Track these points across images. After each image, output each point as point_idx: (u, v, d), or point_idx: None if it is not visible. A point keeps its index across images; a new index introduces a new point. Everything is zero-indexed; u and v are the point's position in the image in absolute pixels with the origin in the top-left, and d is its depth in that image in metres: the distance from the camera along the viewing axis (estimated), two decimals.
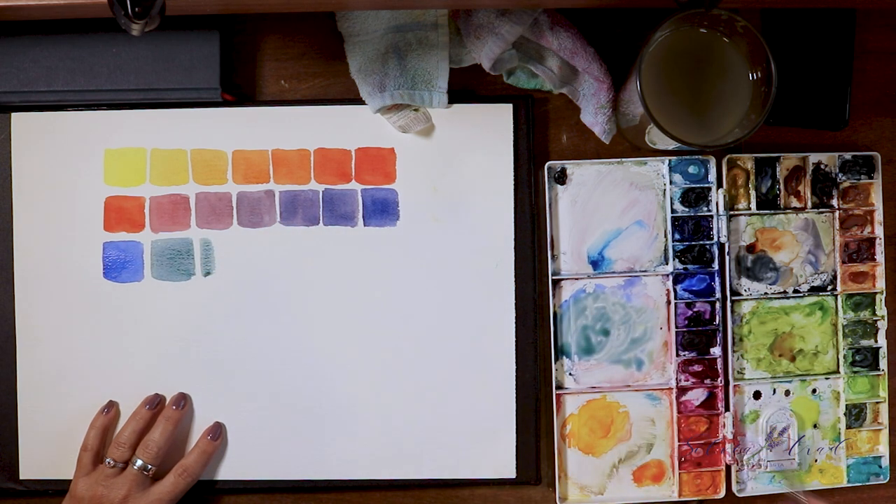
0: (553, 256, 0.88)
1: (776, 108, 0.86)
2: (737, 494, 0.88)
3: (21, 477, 0.86)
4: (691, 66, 0.79)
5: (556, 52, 0.83)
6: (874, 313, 0.90)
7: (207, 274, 0.87)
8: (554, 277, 0.88)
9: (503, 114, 0.87)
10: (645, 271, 0.88)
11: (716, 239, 0.88)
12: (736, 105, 0.78)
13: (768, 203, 0.89)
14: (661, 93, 0.77)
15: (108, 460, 0.83)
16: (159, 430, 0.84)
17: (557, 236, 0.88)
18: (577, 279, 0.88)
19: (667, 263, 0.88)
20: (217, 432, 0.86)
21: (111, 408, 0.86)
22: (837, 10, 0.88)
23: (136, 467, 0.83)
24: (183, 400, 0.86)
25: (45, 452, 0.86)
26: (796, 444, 0.88)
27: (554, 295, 0.88)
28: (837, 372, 0.89)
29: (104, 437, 0.85)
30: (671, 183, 0.88)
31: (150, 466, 0.83)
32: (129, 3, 0.58)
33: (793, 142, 0.90)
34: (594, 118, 0.86)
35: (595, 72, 0.84)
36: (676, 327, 0.88)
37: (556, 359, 0.87)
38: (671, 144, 0.78)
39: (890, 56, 0.91)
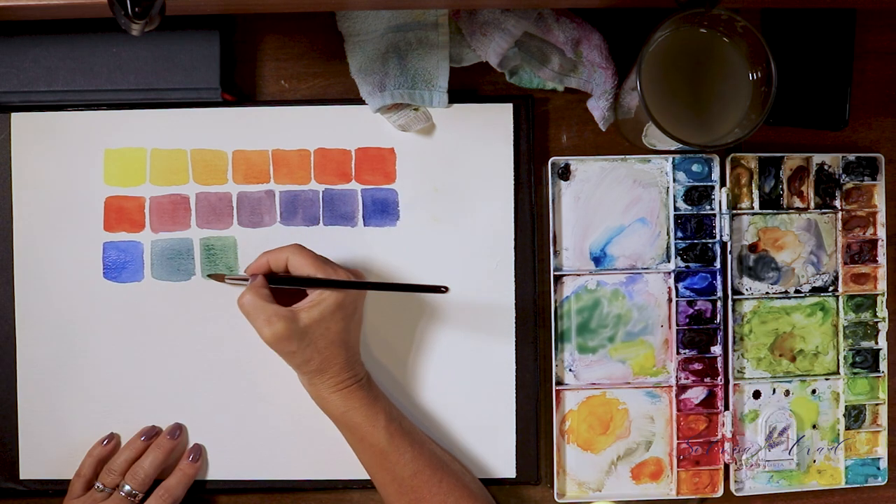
0: (555, 252, 0.88)
1: (776, 108, 0.86)
2: (735, 494, 0.88)
3: (21, 477, 0.87)
4: (691, 66, 0.79)
5: (562, 46, 0.83)
6: (875, 315, 0.90)
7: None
8: (556, 273, 0.88)
9: (503, 113, 0.87)
10: (647, 268, 0.88)
11: (718, 238, 0.88)
12: (736, 105, 0.78)
13: (771, 203, 0.89)
14: (661, 93, 0.77)
15: (97, 484, 0.84)
16: (150, 458, 0.85)
17: (560, 232, 0.88)
18: (578, 275, 0.88)
19: (669, 261, 0.88)
20: (197, 454, 0.87)
21: (111, 440, 0.86)
22: (837, 10, 0.88)
23: (123, 492, 0.83)
24: (178, 430, 0.87)
25: (45, 452, 0.87)
26: (795, 445, 0.88)
27: (555, 290, 0.88)
28: (837, 373, 0.89)
29: (98, 467, 0.86)
30: (674, 181, 0.88)
31: (136, 492, 0.83)
32: (129, 3, 0.58)
33: (793, 142, 0.90)
34: (596, 102, 0.86)
35: (597, 58, 0.84)
36: (677, 325, 0.88)
37: (557, 354, 0.87)
38: (671, 145, 0.78)
39: (890, 56, 0.91)
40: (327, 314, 0.78)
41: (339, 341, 0.79)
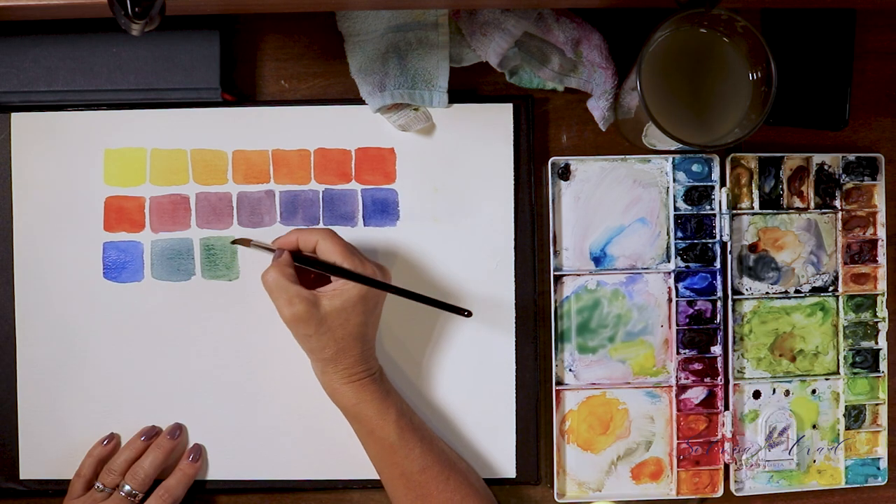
0: (555, 252, 0.88)
1: (776, 108, 0.85)
2: (735, 494, 0.88)
3: (21, 477, 0.87)
4: (691, 66, 0.79)
5: (562, 46, 0.83)
6: (875, 315, 0.90)
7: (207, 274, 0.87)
8: (556, 273, 0.88)
9: (503, 113, 0.87)
10: (647, 268, 0.88)
11: (718, 238, 0.88)
12: (736, 105, 0.78)
13: (771, 203, 0.89)
14: (661, 93, 0.77)
15: (97, 484, 0.84)
16: (150, 458, 0.85)
17: (560, 232, 0.88)
18: (578, 275, 0.88)
19: (669, 261, 0.88)
20: (197, 454, 0.87)
21: (111, 440, 0.86)
22: (837, 10, 0.88)
23: (123, 492, 0.83)
24: (178, 430, 0.87)
25: (45, 452, 0.87)
26: (795, 445, 0.88)
27: (555, 290, 0.88)
28: (837, 373, 0.89)
29: (98, 467, 0.86)
30: (674, 181, 0.88)
31: (136, 492, 0.84)
32: (129, 3, 0.58)
33: (793, 142, 0.90)
34: (596, 102, 0.86)
35: (597, 58, 0.84)
36: (677, 325, 0.88)
37: (557, 354, 0.87)
38: (671, 145, 0.78)
39: (890, 56, 0.91)
40: (349, 305, 0.78)
41: (356, 333, 0.79)
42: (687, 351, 0.88)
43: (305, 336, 0.78)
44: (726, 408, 0.88)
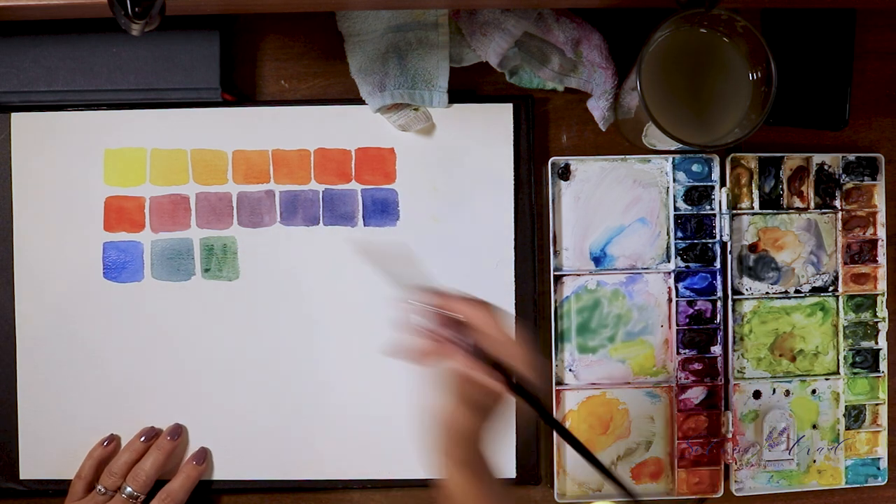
0: (555, 252, 0.88)
1: (776, 108, 0.86)
2: (735, 493, 0.88)
3: (21, 477, 0.87)
4: (691, 66, 0.79)
5: (562, 46, 0.83)
6: (875, 315, 0.90)
7: (207, 273, 0.87)
8: (556, 273, 0.88)
9: (503, 113, 0.87)
10: (647, 268, 0.88)
11: (718, 238, 0.88)
12: (736, 105, 0.78)
13: (771, 203, 0.89)
14: (661, 93, 0.77)
15: (98, 487, 0.84)
16: (150, 459, 0.85)
17: (560, 232, 0.88)
18: (578, 275, 0.88)
19: (669, 261, 0.88)
20: (202, 457, 0.87)
21: (111, 441, 0.86)
22: (837, 10, 0.88)
23: (124, 495, 0.83)
24: (178, 431, 0.87)
25: (45, 452, 0.87)
26: (795, 445, 0.88)
27: (555, 290, 0.88)
28: (837, 373, 0.89)
29: (99, 468, 0.86)
30: (674, 181, 0.88)
31: (137, 494, 0.84)
32: (129, 3, 0.58)
33: (793, 142, 0.90)
34: (596, 102, 0.86)
35: (597, 58, 0.84)
36: (677, 325, 0.88)
37: (557, 354, 0.87)
38: (671, 145, 0.78)
39: (890, 56, 0.91)
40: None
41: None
42: (687, 351, 0.88)
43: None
44: (726, 408, 0.88)
